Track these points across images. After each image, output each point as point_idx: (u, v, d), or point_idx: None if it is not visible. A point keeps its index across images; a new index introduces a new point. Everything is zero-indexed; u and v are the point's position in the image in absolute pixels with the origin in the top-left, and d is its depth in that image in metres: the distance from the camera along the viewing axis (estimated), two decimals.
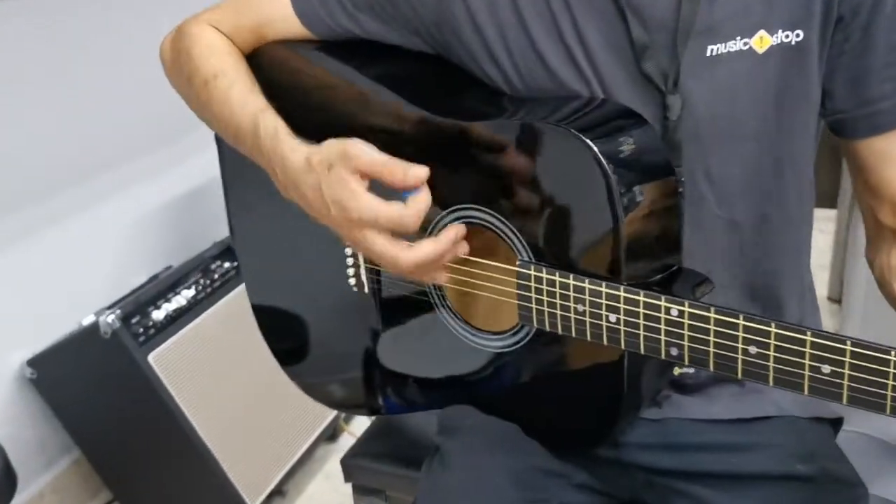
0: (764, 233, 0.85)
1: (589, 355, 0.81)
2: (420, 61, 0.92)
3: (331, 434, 1.98)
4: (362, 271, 0.98)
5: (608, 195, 0.73)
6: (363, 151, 0.77)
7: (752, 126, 0.80)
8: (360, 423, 2.03)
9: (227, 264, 1.88)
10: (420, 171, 0.76)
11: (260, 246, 1.12)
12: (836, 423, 0.93)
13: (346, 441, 2.03)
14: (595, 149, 0.73)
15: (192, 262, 1.87)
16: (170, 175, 2.06)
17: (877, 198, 0.84)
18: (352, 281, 0.99)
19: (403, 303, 0.95)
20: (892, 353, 0.62)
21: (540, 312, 0.81)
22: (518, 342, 0.86)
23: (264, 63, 0.98)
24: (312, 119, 0.95)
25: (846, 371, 0.63)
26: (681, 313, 0.71)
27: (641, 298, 0.73)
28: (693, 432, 0.88)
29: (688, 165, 0.80)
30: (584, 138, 0.74)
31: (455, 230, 0.82)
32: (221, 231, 2.03)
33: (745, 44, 0.78)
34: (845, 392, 0.64)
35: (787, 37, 0.78)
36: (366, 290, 0.99)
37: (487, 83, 0.87)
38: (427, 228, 0.88)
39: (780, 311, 0.88)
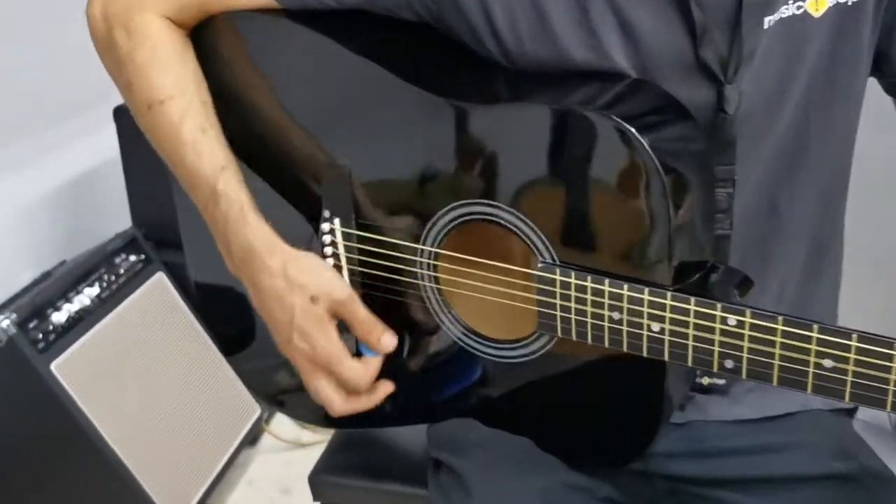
0: (802, 220, 0.80)
1: (621, 365, 0.73)
2: (409, 33, 0.81)
3: (252, 438, 1.84)
4: (344, 269, 0.86)
5: (659, 195, 0.65)
6: (355, 304, 0.78)
7: (802, 101, 0.74)
8: (284, 423, 1.91)
9: (132, 258, 1.70)
10: (391, 343, 0.79)
11: None
12: (852, 413, 0.90)
13: (268, 442, 1.90)
14: (645, 143, 0.65)
15: (91, 256, 1.67)
16: (58, 158, 1.85)
17: None
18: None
19: (392, 302, 0.85)
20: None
21: (565, 320, 0.73)
22: (535, 352, 0.77)
23: (218, 38, 0.85)
24: (280, 101, 0.84)
25: None
26: (740, 323, 0.65)
27: (692, 307, 0.66)
28: (718, 435, 0.83)
29: (740, 163, 0.73)
30: (632, 130, 0.65)
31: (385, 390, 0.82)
32: (123, 221, 1.86)
33: (800, 7, 0.71)
34: None
35: None
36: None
37: (485, 59, 0.78)
38: (424, 229, 0.79)
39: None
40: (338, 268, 0.86)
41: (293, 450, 1.89)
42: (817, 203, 0.80)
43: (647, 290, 0.68)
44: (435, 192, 0.78)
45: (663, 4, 0.70)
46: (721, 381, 0.82)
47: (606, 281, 0.69)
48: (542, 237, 0.73)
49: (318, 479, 1.04)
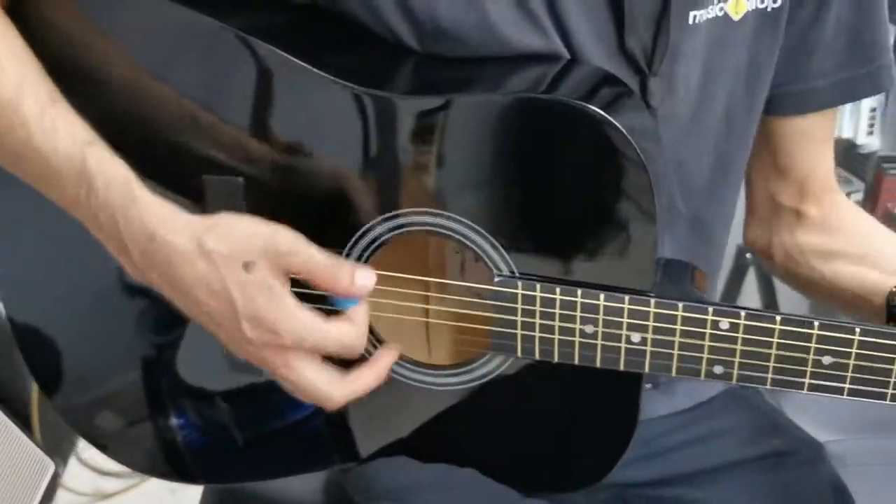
0: (721, 224, 0.78)
1: (589, 378, 0.66)
2: (297, 13, 0.69)
3: (48, 497, 1.58)
4: None
5: (645, 188, 0.59)
6: (300, 246, 0.60)
7: (725, 106, 0.72)
8: (78, 476, 1.65)
9: None
10: (370, 278, 0.62)
11: (22, 235, 0.77)
12: None
13: (65, 499, 1.64)
14: (626, 133, 0.58)
15: None
16: None
17: (783, 178, 0.81)
18: None
19: None
20: None
21: (527, 339, 0.65)
22: (484, 375, 0.69)
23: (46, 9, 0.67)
24: (143, 88, 0.67)
25: None
26: (734, 326, 0.60)
27: (680, 313, 0.61)
28: (660, 433, 0.80)
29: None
30: (609, 118, 0.58)
31: (390, 355, 0.67)
32: None
33: (721, 8, 0.68)
34: None
35: (762, 2, 0.70)
36: None
37: (392, 43, 0.67)
38: (345, 247, 0.67)
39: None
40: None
41: (95, 502, 1.66)
42: (733, 206, 0.80)
43: (627, 298, 0.62)
44: (357, 204, 0.66)
45: None
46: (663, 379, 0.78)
47: (579, 292, 0.62)
48: (498, 247, 0.64)
49: None
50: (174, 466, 0.83)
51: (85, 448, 1.78)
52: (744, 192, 0.83)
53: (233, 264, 0.59)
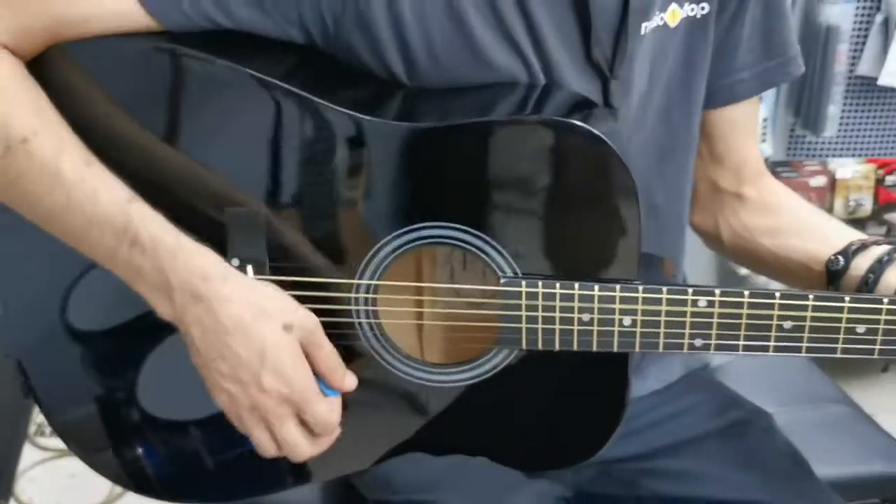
0: (675, 211, 0.89)
1: (584, 364, 0.76)
2: (302, 53, 0.76)
3: None
4: None
5: (630, 193, 0.70)
6: (323, 335, 0.73)
7: (664, 103, 0.83)
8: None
9: None
10: (354, 382, 0.75)
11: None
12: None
13: None
14: (611, 144, 0.69)
15: None
16: None
17: (721, 165, 0.92)
18: None
19: None
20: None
21: (531, 331, 0.74)
22: (491, 369, 0.77)
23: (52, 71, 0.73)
24: (155, 138, 0.74)
25: (880, 326, 0.70)
26: (710, 303, 0.71)
27: (664, 296, 0.71)
28: (636, 413, 0.88)
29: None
30: (595, 132, 0.68)
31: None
32: None
33: (662, 18, 0.80)
34: (878, 346, 0.70)
35: (692, 10, 0.81)
36: None
37: (383, 78, 0.76)
38: (361, 262, 0.74)
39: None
40: None
41: None
42: (671, 197, 0.91)
43: (618, 287, 0.72)
44: (373, 222, 0.74)
45: (563, 8, 0.75)
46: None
47: (576, 285, 0.72)
48: (502, 251, 0.73)
49: None
50: (162, 485, 0.87)
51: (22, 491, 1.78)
52: None
53: (275, 322, 0.69)
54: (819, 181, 1.91)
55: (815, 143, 1.94)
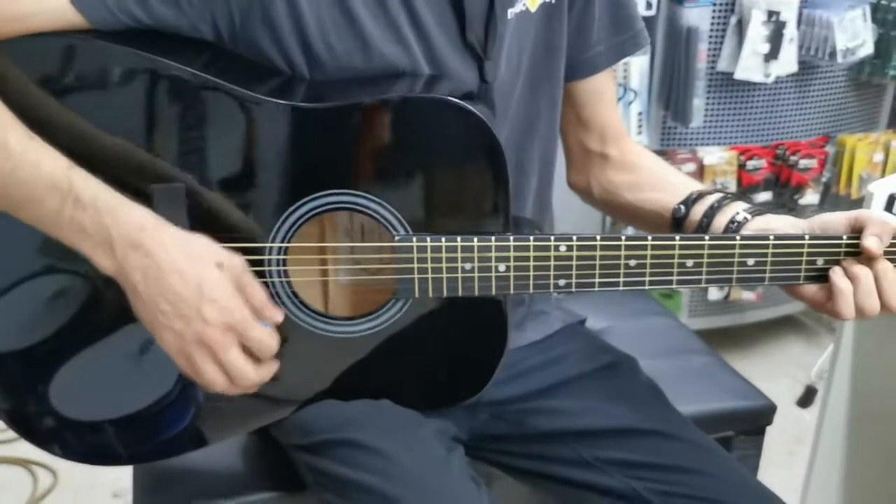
0: (544, 176, 1.03)
1: (468, 310, 0.89)
2: (205, 47, 0.87)
3: None
4: None
5: (500, 158, 0.83)
6: (250, 275, 0.83)
7: (530, 77, 0.96)
8: None
9: None
10: (281, 315, 0.85)
11: None
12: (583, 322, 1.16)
13: None
14: (480, 115, 0.82)
15: None
16: None
17: (587, 130, 1.07)
18: None
19: None
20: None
21: (423, 281, 0.86)
22: (389, 319, 0.89)
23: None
24: (85, 124, 0.84)
25: (704, 261, 0.85)
26: (569, 248, 0.85)
27: (532, 243, 0.85)
28: (520, 359, 1.02)
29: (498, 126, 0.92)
30: (469, 107, 0.82)
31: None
32: None
33: (524, 4, 0.93)
34: (704, 276, 0.86)
35: None
36: None
37: (283, 70, 0.88)
38: (274, 227, 0.86)
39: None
40: None
41: None
42: (540, 161, 1.04)
43: (493, 238, 0.85)
44: (282, 192, 0.85)
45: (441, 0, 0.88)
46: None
47: (458, 238, 0.85)
48: (396, 214, 0.85)
49: None
50: (101, 449, 0.96)
51: None
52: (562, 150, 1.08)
53: (208, 262, 0.80)
54: (690, 167, 2.10)
55: (685, 133, 2.14)
